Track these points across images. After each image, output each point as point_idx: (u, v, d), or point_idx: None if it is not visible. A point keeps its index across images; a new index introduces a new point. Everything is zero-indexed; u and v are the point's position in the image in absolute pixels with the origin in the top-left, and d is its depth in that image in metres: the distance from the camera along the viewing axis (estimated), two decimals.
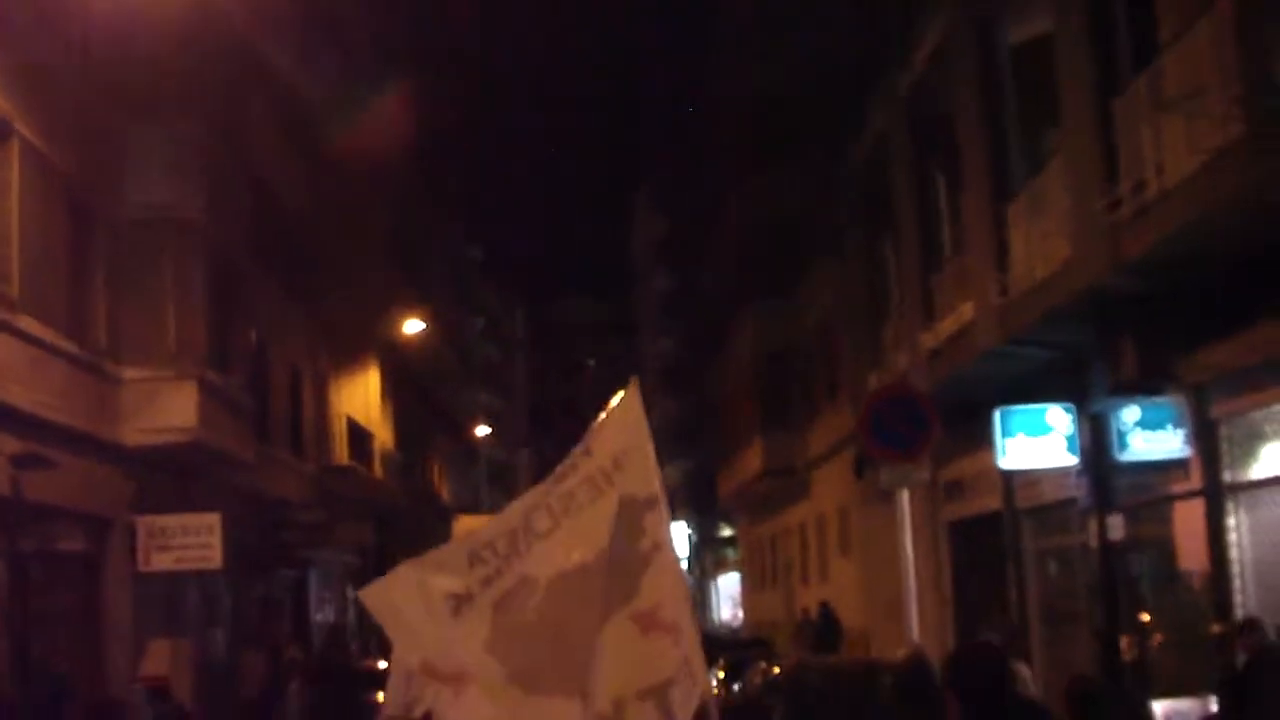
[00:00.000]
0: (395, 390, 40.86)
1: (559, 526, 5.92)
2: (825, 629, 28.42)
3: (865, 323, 25.41)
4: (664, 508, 5.96)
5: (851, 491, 28.30)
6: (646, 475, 5.98)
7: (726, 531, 55.01)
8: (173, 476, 20.48)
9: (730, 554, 56.50)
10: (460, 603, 5.81)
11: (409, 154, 41.52)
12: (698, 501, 58.53)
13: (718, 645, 26.62)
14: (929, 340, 19.16)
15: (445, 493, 50.76)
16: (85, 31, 18.08)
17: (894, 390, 11.95)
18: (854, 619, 27.93)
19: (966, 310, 17.60)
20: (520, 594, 5.83)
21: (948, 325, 18.50)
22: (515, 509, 6.15)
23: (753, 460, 37.74)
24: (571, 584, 5.85)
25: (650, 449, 6.02)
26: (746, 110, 36.72)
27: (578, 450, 6.02)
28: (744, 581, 50.34)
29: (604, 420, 6.05)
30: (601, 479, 5.96)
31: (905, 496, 9.57)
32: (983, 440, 17.62)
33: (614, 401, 6.06)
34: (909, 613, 18.73)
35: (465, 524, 14.84)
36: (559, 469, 6.02)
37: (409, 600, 5.87)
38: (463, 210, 62.25)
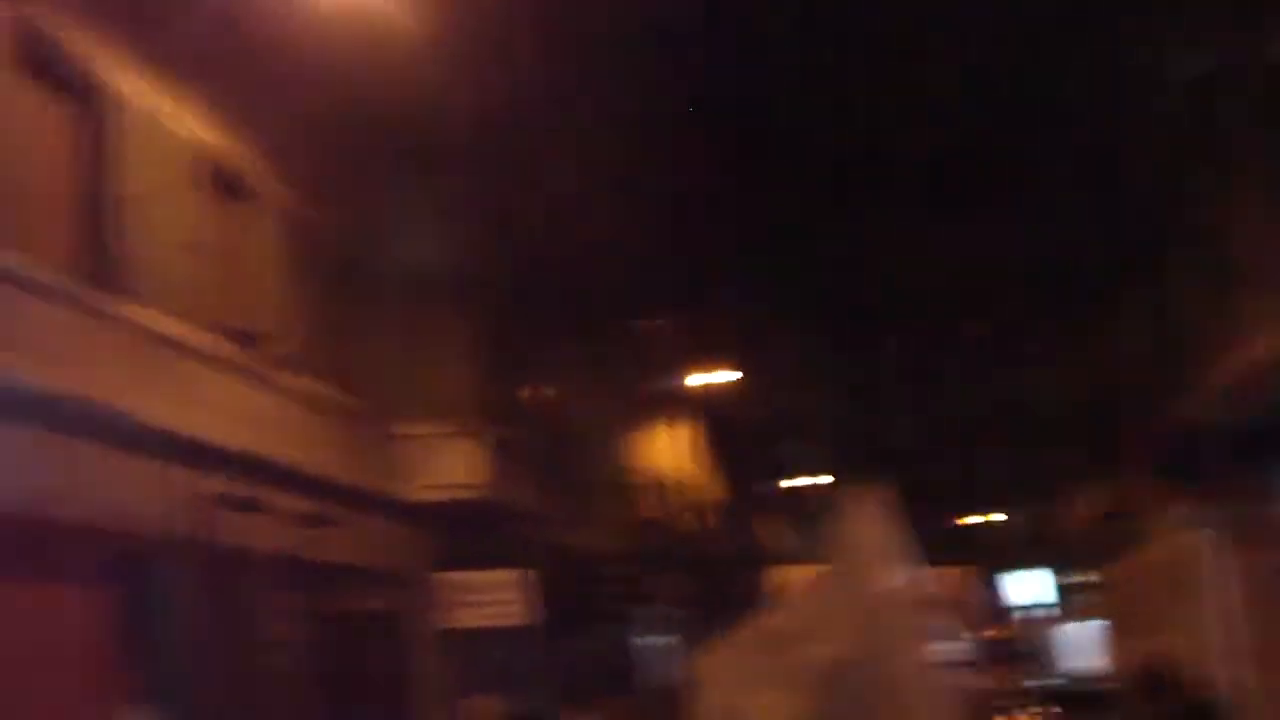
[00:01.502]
0: (706, 440, 40.39)
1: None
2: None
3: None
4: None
5: None
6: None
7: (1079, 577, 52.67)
8: (473, 532, 20.28)
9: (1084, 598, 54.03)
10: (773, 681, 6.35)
11: (702, 199, 41.09)
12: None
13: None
14: None
15: (763, 541, 49.95)
16: (344, 88, 18.10)
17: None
18: None
19: None
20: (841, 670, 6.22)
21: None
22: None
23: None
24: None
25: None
26: None
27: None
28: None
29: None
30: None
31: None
32: None
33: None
34: None
35: (782, 574, 14.22)
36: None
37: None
38: (767, 257, 61.54)
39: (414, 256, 19.77)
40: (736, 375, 41.56)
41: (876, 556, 6.31)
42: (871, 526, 6.39)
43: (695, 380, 37.95)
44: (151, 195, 13.80)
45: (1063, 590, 60.77)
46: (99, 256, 12.92)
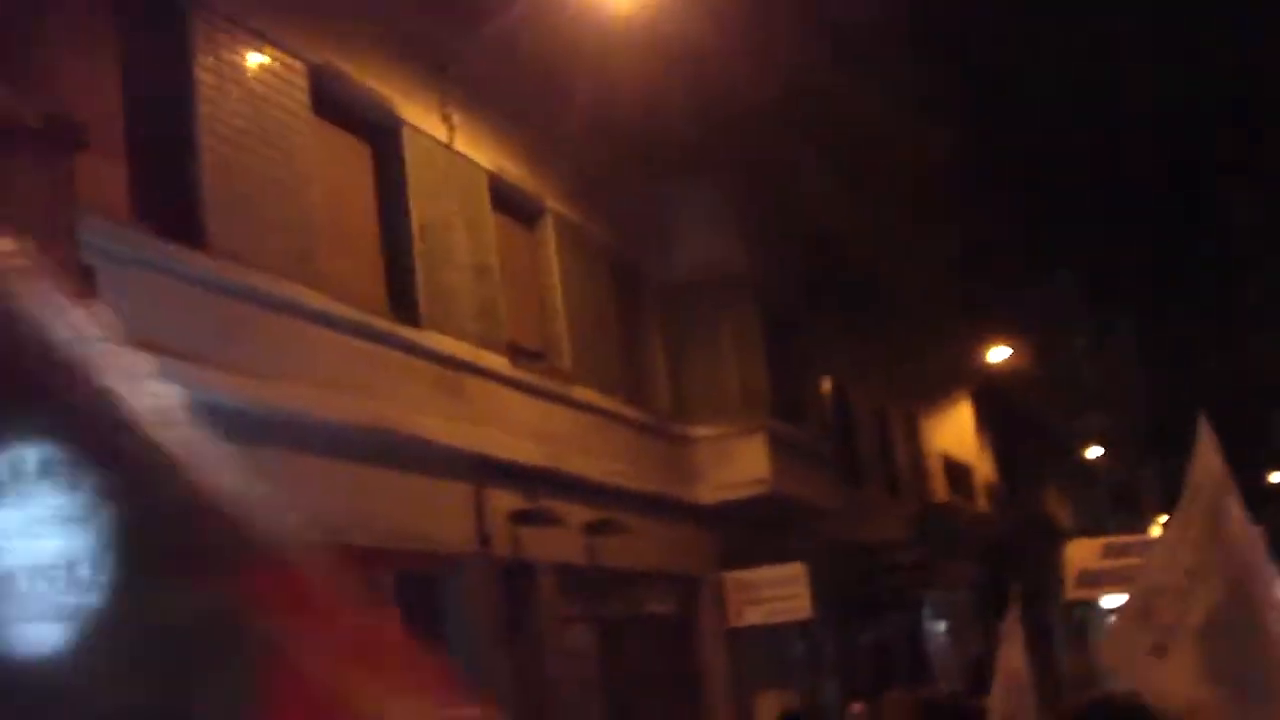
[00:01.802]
0: (992, 420, 39.78)
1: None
2: None
3: None
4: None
5: None
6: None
7: None
8: (756, 530, 20.43)
9: None
10: (1160, 648, 6.20)
11: (970, 179, 40.45)
12: None
13: None
14: None
15: (1062, 519, 48.96)
16: (608, 100, 18.40)
17: None
18: None
19: None
20: (1215, 617, 6.08)
21: None
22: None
23: None
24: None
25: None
26: None
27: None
28: None
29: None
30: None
31: None
32: None
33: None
34: None
35: (1077, 548, 13.90)
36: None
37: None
38: (1050, 229, 60.15)
39: (692, 260, 19.99)
40: (1021, 351, 40.93)
41: (1227, 492, 6.23)
42: (1217, 461, 6.33)
43: (981, 358, 37.48)
44: (444, 222, 14.30)
45: None
46: (395, 286, 13.47)
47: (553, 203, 16.93)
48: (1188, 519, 6.28)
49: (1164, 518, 71.69)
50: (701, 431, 19.62)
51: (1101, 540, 16.09)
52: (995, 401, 40.41)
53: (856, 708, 18.00)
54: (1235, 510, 6.10)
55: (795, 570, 19.52)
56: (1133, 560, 13.20)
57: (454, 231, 14.48)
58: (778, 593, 19.54)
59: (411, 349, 13.23)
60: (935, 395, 33.64)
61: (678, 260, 19.95)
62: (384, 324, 12.90)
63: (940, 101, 35.82)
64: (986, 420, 39.02)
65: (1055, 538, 37.68)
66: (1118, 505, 70.26)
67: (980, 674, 29.41)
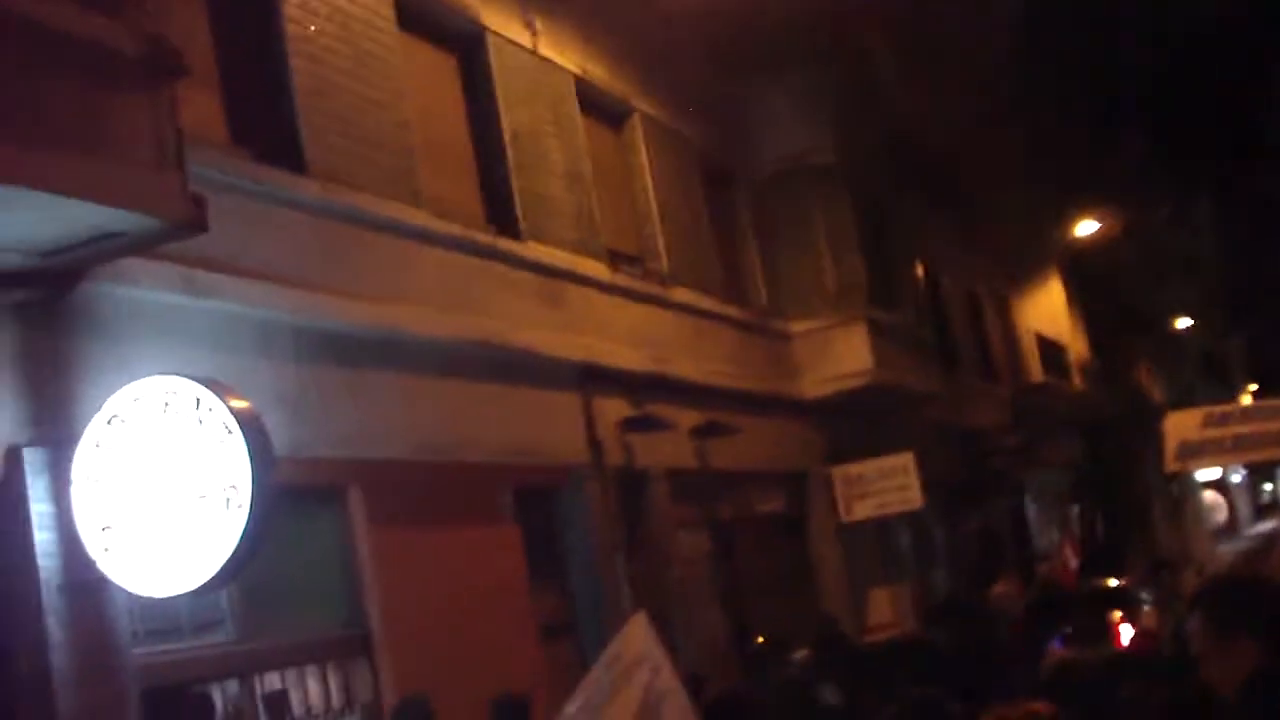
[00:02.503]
0: (1082, 297, 39.25)
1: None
2: None
3: None
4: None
5: None
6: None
7: None
8: (860, 422, 20.20)
9: None
10: None
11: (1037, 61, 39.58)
12: None
13: None
14: None
15: (1154, 393, 48.39)
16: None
17: None
18: None
19: None
20: None
21: None
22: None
23: None
24: None
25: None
26: None
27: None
28: None
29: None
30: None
31: None
32: None
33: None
34: None
35: (1176, 420, 13.69)
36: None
37: None
38: (1115, 110, 58.92)
39: (780, 153, 19.64)
40: (1107, 223, 40.25)
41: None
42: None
43: (1067, 233, 36.88)
44: (534, 130, 14.04)
45: None
46: (492, 199, 13.26)
47: (639, 103, 16.61)
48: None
49: (1254, 386, 71.09)
50: (801, 326, 19.38)
51: (1202, 410, 15.78)
52: (1084, 277, 39.88)
53: (999, 589, 17.82)
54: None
55: (904, 460, 19.28)
56: (1234, 429, 12.99)
57: (545, 139, 14.22)
58: (887, 484, 19.33)
59: (512, 261, 13.02)
60: (1025, 275, 33.21)
61: (766, 155, 19.63)
62: (485, 238, 12.68)
63: None
64: (1076, 297, 38.52)
65: (1150, 412, 37.23)
66: (1207, 375, 69.52)
67: (1095, 553, 29.39)
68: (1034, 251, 33.87)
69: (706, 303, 17.11)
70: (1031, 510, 30.48)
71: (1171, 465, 13.11)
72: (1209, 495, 63.41)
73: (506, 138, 13.50)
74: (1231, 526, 64.69)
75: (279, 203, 9.98)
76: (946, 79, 28.08)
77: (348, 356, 10.32)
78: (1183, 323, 62.47)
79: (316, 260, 10.22)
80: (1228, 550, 49.44)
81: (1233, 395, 54.08)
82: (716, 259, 17.98)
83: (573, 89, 15.06)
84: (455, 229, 12.16)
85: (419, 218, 11.62)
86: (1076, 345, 36.66)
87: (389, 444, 10.59)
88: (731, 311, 17.85)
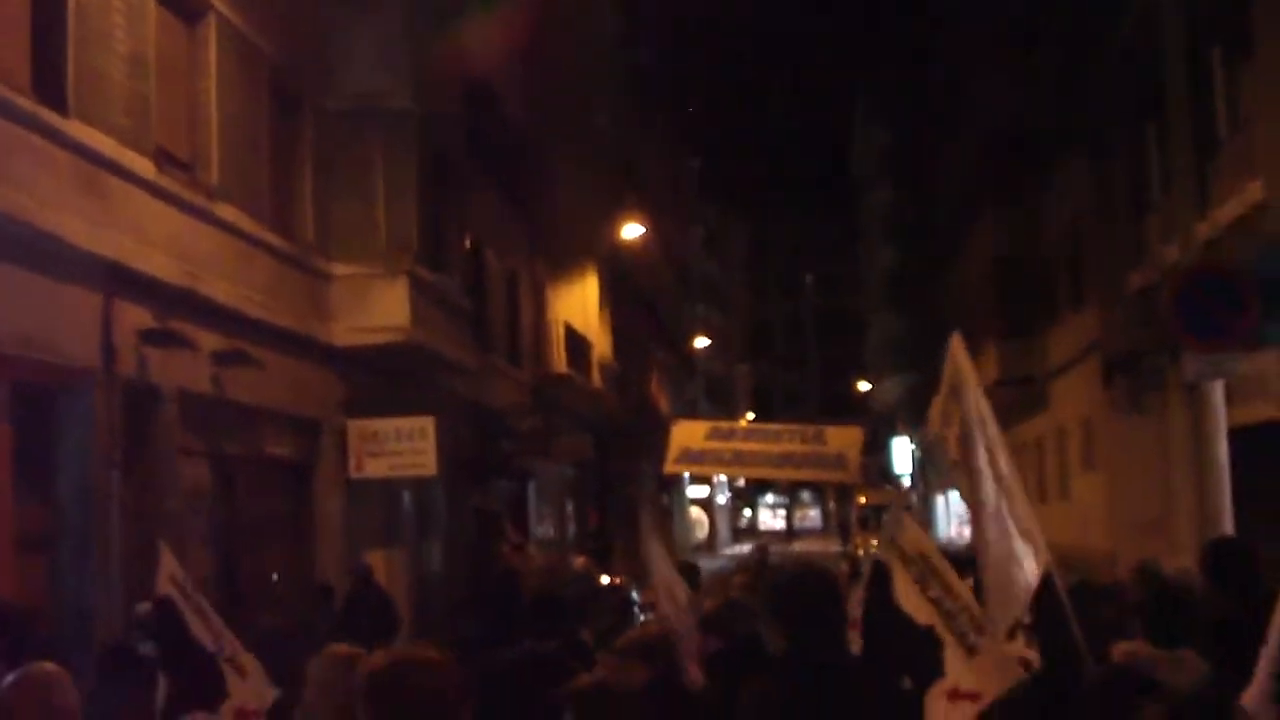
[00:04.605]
0: (614, 299, 39.85)
1: None
2: None
3: (1122, 218, 23.41)
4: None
5: (1097, 402, 26.43)
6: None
7: None
8: (386, 379, 19.65)
9: None
10: None
11: (626, 61, 40.23)
12: (922, 416, 56.58)
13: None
14: (1204, 231, 17.25)
15: (664, 404, 49.78)
16: None
17: (1206, 268, 10.22)
18: (1096, 539, 25.98)
19: (1253, 191, 15.68)
20: None
21: (1228, 211, 16.59)
22: None
23: (986, 370, 35.85)
24: None
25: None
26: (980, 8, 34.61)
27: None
28: None
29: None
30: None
31: (1219, 394, 8.04)
32: (1267, 337, 15.84)
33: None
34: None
35: (683, 429, 13.80)
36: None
37: None
38: (681, 121, 60.77)
39: (356, 89, 18.88)
40: (650, 232, 41.07)
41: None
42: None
43: (616, 235, 37.40)
44: (103, 4, 12.85)
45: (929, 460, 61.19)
46: (42, 64, 12.01)
47: (219, 3, 15.53)
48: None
49: (751, 415, 74.26)
50: (344, 269, 18.65)
51: (710, 423, 16.16)
52: (620, 281, 40.55)
53: (580, 561, 17.58)
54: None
55: (424, 425, 18.82)
56: (735, 444, 13.29)
57: (112, 14, 13.03)
58: (403, 446, 18.82)
59: (53, 137, 11.85)
60: (566, 265, 33.30)
61: (342, 89, 18.84)
62: (26, 104, 11.47)
63: None
64: (610, 298, 39.07)
65: (655, 422, 38.20)
66: (712, 399, 72.39)
67: (597, 546, 29.74)
68: (578, 244, 34.10)
69: (251, 226, 16.17)
70: (533, 498, 30.56)
71: (671, 466, 13.29)
72: (695, 511, 65.93)
73: (70, 5, 12.28)
74: (710, 545, 67.41)
75: None
76: (538, 58, 27.94)
77: None
78: (701, 343, 64.77)
79: None
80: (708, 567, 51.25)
81: (733, 419, 56.13)
82: (270, 183, 17.03)
83: None
84: None
85: None
86: (601, 344, 37.14)
87: None
88: (275, 240, 16.95)
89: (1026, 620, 5.97)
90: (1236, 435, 18.59)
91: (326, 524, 18.40)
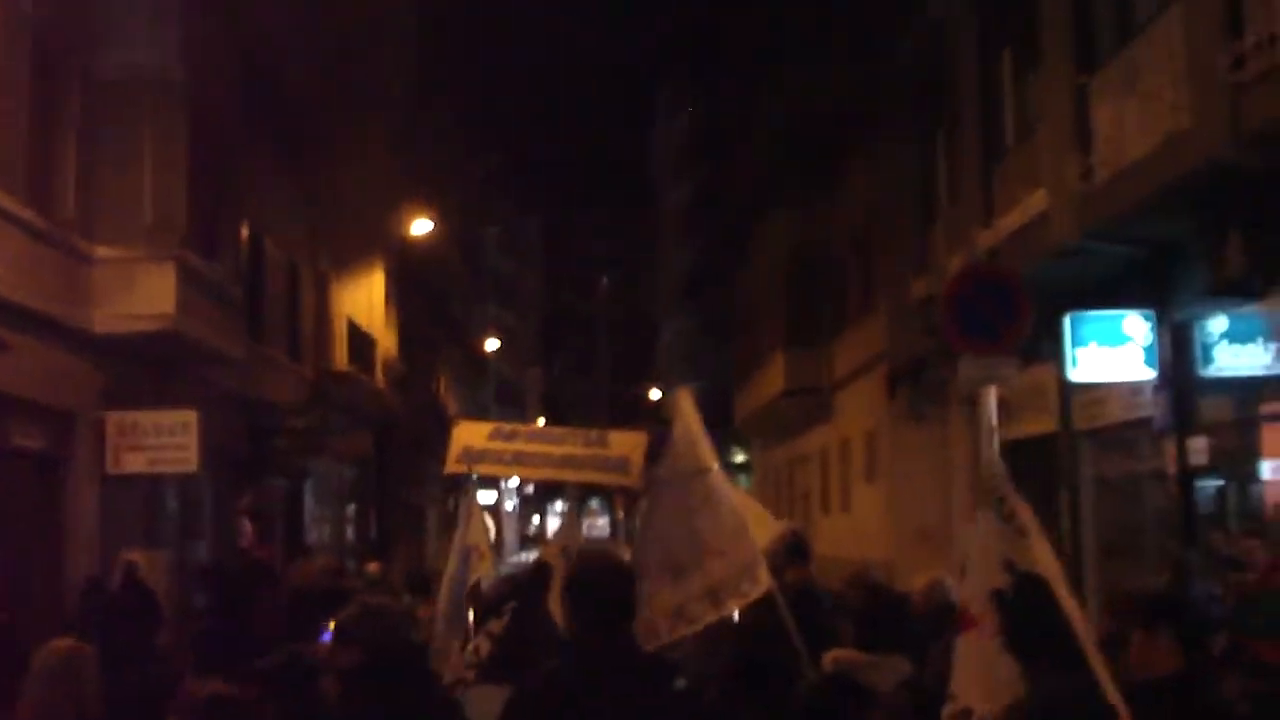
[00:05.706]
0: (401, 296, 39.03)
1: None
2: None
3: (910, 226, 23.49)
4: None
5: (881, 413, 26.54)
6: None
7: (740, 457, 53.04)
8: (149, 370, 18.72)
9: (743, 481, 54.66)
10: None
11: (418, 47, 39.42)
12: (710, 424, 56.60)
13: None
14: (987, 240, 17.26)
15: (451, 407, 49.05)
16: None
17: (982, 272, 10.06)
18: (876, 550, 26.02)
19: (1036, 201, 15.70)
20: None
21: (1011, 221, 16.62)
22: None
23: (773, 379, 35.93)
24: None
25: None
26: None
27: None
28: None
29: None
30: None
31: (992, 400, 7.90)
32: (1040, 352, 15.91)
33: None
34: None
35: (466, 428, 13.69)
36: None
37: None
38: (476, 114, 60.01)
39: (125, 58, 17.88)
40: (442, 228, 40.33)
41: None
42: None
43: (405, 229, 36.58)
44: None
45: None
46: None
47: None
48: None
49: (542, 420, 74.01)
50: (107, 252, 17.63)
51: (493, 424, 15.88)
52: (408, 277, 39.77)
53: (373, 567, 16.81)
54: None
55: (187, 419, 17.98)
56: (518, 445, 13.10)
57: None
58: (165, 441, 17.95)
59: None
60: (351, 258, 32.41)
61: (109, 57, 17.79)
62: None
63: None
64: (396, 294, 38.28)
65: (442, 424, 37.47)
66: (503, 402, 71.83)
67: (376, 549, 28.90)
68: (364, 236, 33.23)
69: (4, 199, 15.16)
70: (309, 499, 29.66)
71: (452, 466, 12.92)
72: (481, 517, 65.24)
73: None
74: (497, 551, 66.72)
75: None
76: (323, 41, 27.06)
77: None
78: (492, 344, 64.13)
79: None
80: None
81: (525, 423, 55.72)
82: (26, 154, 15.96)
83: None
84: None
85: None
86: (386, 341, 36.30)
87: None
88: (30, 216, 15.90)
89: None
90: (1013, 448, 18.73)
91: (80, 521, 17.38)
